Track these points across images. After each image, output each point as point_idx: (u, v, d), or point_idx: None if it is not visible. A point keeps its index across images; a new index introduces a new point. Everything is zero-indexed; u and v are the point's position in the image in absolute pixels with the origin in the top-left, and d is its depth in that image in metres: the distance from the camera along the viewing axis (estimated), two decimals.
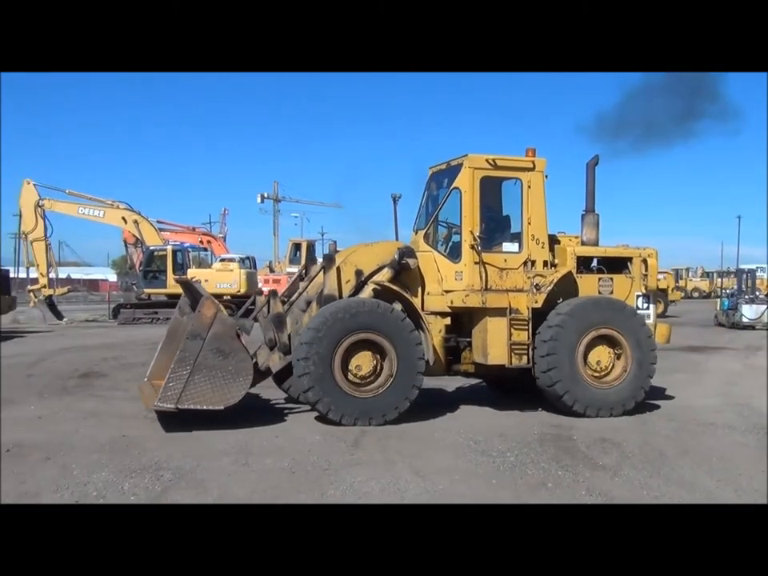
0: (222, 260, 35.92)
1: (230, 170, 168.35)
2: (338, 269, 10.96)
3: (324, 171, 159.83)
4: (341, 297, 10.80)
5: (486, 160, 11.13)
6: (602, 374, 10.91)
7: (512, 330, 10.80)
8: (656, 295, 12.20)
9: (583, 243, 11.96)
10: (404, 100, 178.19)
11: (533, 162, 11.26)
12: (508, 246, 11.29)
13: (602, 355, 10.92)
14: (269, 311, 11.06)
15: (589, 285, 11.51)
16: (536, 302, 10.84)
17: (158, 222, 37.25)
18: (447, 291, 11.14)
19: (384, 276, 10.97)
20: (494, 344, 10.83)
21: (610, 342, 10.93)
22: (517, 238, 11.32)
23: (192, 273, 34.41)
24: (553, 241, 11.72)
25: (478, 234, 10.98)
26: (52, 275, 32.26)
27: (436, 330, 11.09)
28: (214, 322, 9.74)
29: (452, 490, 7.23)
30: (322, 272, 11.06)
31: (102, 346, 21.89)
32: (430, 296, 11.20)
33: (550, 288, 10.87)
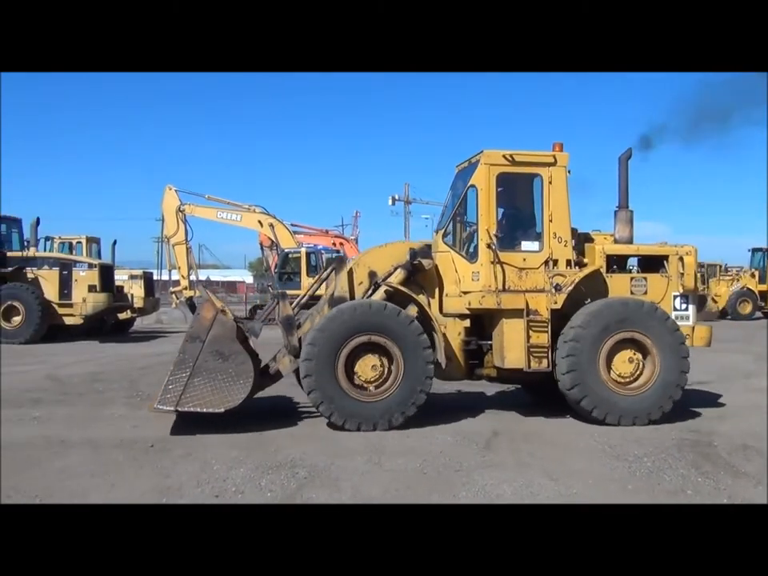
0: None
1: (362, 173, 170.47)
2: (351, 270, 10.83)
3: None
4: (352, 298, 10.60)
5: (504, 156, 10.67)
6: (628, 379, 10.32)
7: (530, 331, 10.35)
8: (696, 295, 11.33)
9: (616, 241, 11.39)
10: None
11: (554, 157, 10.72)
12: (527, 245, 10.78)
13: (628, 360, 10.36)
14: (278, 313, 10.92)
15: (620, 285, 10.92)
16: (555, 302, 10.39)
17: (293, 224, 37.92)
18: (465, 292, 10.74)
19: (397, 277, 10.68)
20: (511, 347, 10.40)
21: (638, 346, 10.34)
22: (539, 236, 10.81)
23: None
24: (586, 239, 11.34)
25: (494, 232, 10.55)
26: (193, 277, 33.39)
27: (455, 332, 10.79)
28: (213, 325, 9.73)
29: (586, 494, 7.10)
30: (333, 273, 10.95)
31: None
32: (448, 297, 10.86)
33: (570, 288, 10.41)
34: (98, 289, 24.50)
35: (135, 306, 28.71)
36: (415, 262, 10.63)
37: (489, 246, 10.46)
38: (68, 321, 24.61)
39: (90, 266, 25.78)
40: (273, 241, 35.19)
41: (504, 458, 8.53)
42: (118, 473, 7.83)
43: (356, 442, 9.16)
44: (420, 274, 10.79)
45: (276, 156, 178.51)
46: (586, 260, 10.97)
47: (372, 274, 10.80)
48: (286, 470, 7.91)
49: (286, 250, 34.42)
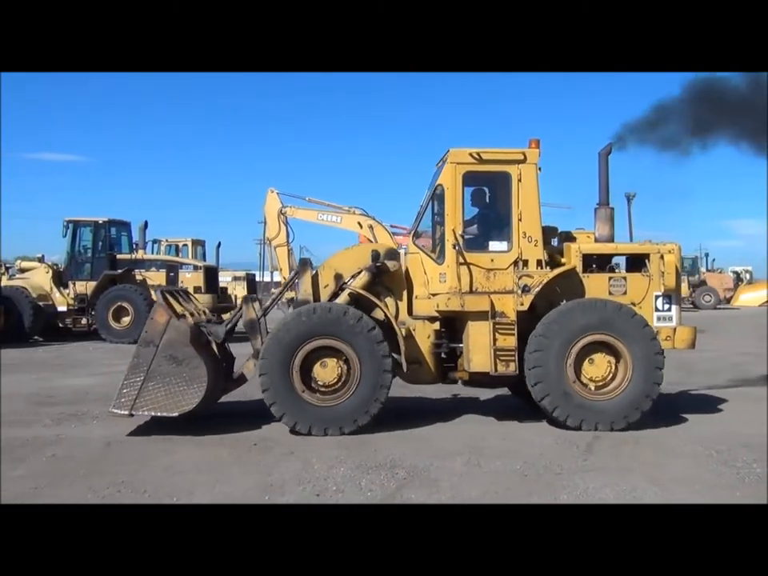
0: None
1: None
2: (317, 273, 10.73)
3: (555, 171, 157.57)
4: (318, 301, 10.46)
5: (470, 154, 10.34)
6: (601, 384, 9.94)
7: (497, 334, 10.00)
8: (679, 295, 10.75)
9: (596, 240, 10.96)
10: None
11: (524, 154, 10.34)
12: (495, 246, 10.44)
13: (599, 364, 9.96)
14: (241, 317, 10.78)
15: (597, 285, 10.44)
16: (521, 304, 10.03)
17: (392, 226, 37.85)
18: (433, 294, 10.46)
19: (361, 280, 10.50)
20: (477, 349, 10.07)
21: (610, 349, 9.95)
22: (508, 236, 10.43)
23: None
24: (567, 238, 10.96)
25: (460, 232, 10.26)
26: None
27: (424, 335, 10.52)
28: (167, 329, 9.68)
29: (692, 501, 6.90)
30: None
31: None
32: (417, 299, 10.63)
33: (538, 290, 10.04)
34: (203, 290, 25.09)
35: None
36: (378, 264, 10.50)
37: (455, 247, 10.22)
38: None
39: (196, 267, 26.49)
40: (371, 241, 35.41)
41: (606, 461, 8.38)
42: (222, 470, 8.03)
43: (455, 443, 9.15)
44: (387, 276, 10.65)
45: (375, 156, 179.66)
46: (563, 260, 10.63)
47: (338, 277, 10.70)
48: (385, 469, 7.96)
49: None
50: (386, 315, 10.29)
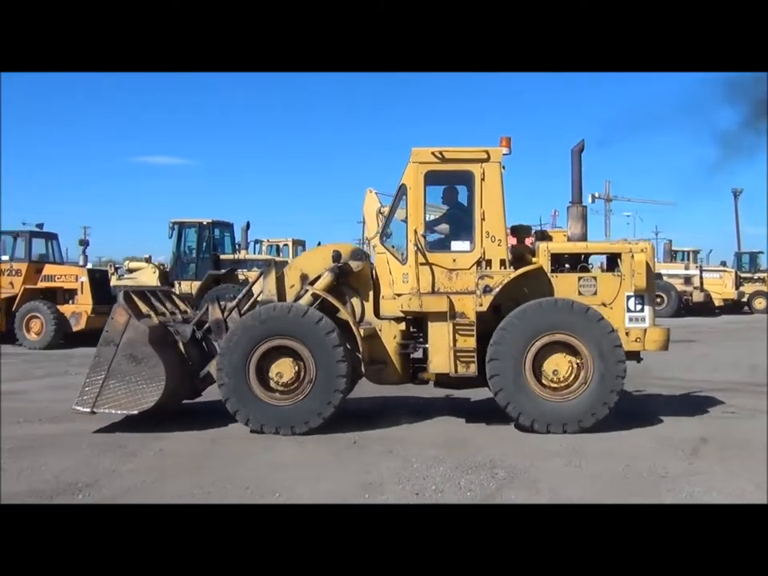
0: None
1: (561, 171, 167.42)
2: (283, 273, 10.64)
3: (658, 167, 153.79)
4: (281, 302, 10.38)
5: (432, 153, 10.17)
6: (561, 385, 9.67)
7: (457, 335, 9.88)
8: (652, 296, 10.35)
9: (569, 239, 10.70)
10: None
11: (487, 153, 10.13)
12: (457, 245, 10.28)
13: (560, 364, 9.68)
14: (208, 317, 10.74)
15: (566, 285, 10.18)
16: (481, 305, 9.83)
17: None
18: (398, 294, 10.30)
19: (324, 281, 10.39)
20: (437, 350, 9.99)
21: (572, 350, 9.66)
22: (470, 236, 10.23)
23: None
24: (543, 237, 10.86)
25: (422, 232, 10.11)
26: None
27: (390, 335, 10.38)
28: (126, 329, 9.78)
29: None
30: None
31: None
32: (384, 300, 10.49)
33: (498, 290, 9.84)
34: None
35: None
36: (340, 265, 10.39)
37: (416, 247, 10.09)
38: None
39: None
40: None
41: (711, 465, 8.15)
42: (322, 467, 8.15)
43: (555, 444, 9.05)
44: (352, 276, 10.56)
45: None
46: (535, 259, 10.41)
47: (304, 277, 10.60)
48: (485, 470, 7.94)
49: None
50: (348, 319, 10.20)
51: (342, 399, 9.81)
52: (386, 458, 8.49)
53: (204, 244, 26.33)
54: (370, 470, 7.97)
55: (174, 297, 11.68)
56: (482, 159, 10.14)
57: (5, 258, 22.75)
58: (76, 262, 34.65)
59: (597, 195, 71.70)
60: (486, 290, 9.90)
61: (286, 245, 33.69)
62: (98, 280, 23.16)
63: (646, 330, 10.12)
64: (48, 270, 22.61)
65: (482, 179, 10.11)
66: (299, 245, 34.12)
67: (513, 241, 10.88)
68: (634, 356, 10.25)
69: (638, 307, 10.16)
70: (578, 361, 9.71)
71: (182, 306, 11.60)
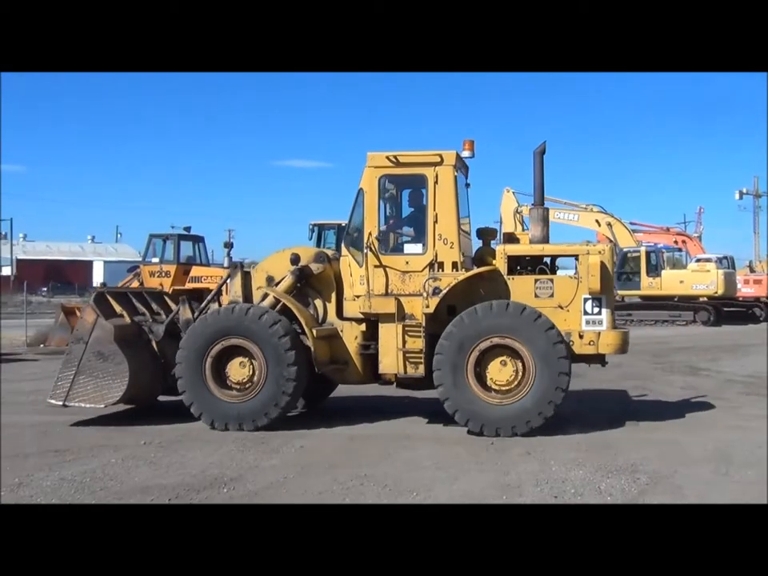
0: (698, 260, 34.79)
1: (705, 166, 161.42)
2: (250, 275, 11.01)
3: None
4: (247, 303, 10.69)
5: (387, 157, 10.33)
6: (507, 388, 9.65)
7: (406, 336, 10.05)
8: (611, 298, 10.02)
9: (530, 241, 10.70)
10: None
11: (440, 156, 10.24)
12: (410, 248, 10.45)
13: (504, 367, 9.68)
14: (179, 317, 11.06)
15: (522, 287, 10.15)
16: (427, 306, 9.90)
17: (632, 223, 37.05)
18: (357, 296, 10.46)
19: (285, 283, 10.70)
20: (386, 351, 10.21)
21: (514, 352, 9.62)
22: (423, 238, 10.33)
23: (666, 274, 33.76)
24: (509, 240, 11.05)
25: (376, 235, 10.23)
26: None
27: (352, 336, 10.60)
28: (94, 328, 10.35)
29: None
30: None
31: None
32: (346, 301, 10.68)
33: (445, 292, 9.89)
34: None
35: None
36: (300, 267, 10.66)
37: (371, 250, 10.22)
38: None
39: None
40: (611, 240, 34.63)
41: None
42: (460, 467, 8.15)
43: (701, 449, 8.77)
44: (315, 278, 10.80)
45: (609, 151, 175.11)
46: (494, 261, 10.44)
47: (270, 279, 10.90)
48: (626, 474, 7.75)
49: (624, 250, 33.76)
50: (301, 319, 10.37)
51: (293, 398, 10.17)
52: (524, 460, 8.42)
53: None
54: (508, 472, 7.92)
55: (165, 298, 12.13)
56: (435, 163, 10.31)
57: (155, 260, 23.79)
58: (221, 264, 35.84)
59: (745, 191, 68.75)
60: (435, 291, 10.04)
61: None
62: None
63: (599, 334, 9.98)
64: (195, 271, 23.43)
65: (435, 182, 10.27)
66: None
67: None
68: (598, 359, 10.31)
69: (596, 310, 10.05)
70: (521, 364, 9.69)
71: (174, 307, 11.93)
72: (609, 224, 34.08)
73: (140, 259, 26.63)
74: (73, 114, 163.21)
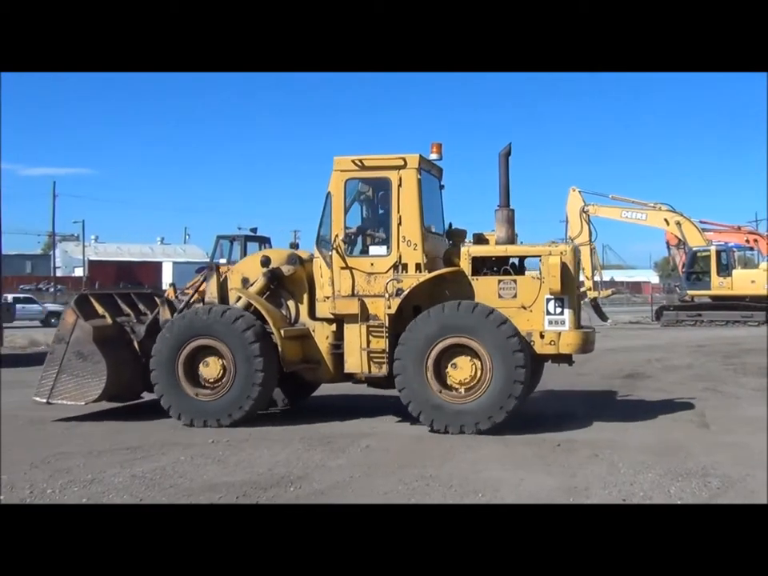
0: None
1: None
2: (226, 277, 11.30)
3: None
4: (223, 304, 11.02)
5: (353, 161, 10.58)
6: (469, 386, 9.81)
7: (370, 336, 10.31)
8: (574, 298, 9.96)
9: (496, 242, 10.82)
10: None
11: (404, 159, 10.43)
12: (375, 250, 10.65)
13: (463, 366, 9.85)
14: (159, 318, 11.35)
15: (486, 288, 10.29)
16: (389, 307, 10.14)
17: (701, 222, 36.31)
18: (327, 297, 10.71)
19: (257, 285, 11.02)
20: (350, 351, 10.50)
21: (472, 350, 9.79)
22: (387, 240, 10.53)
23: (737, 274, 33.07)
24: (479, 241, 11.11)
25: (342, 238, 10.49)
26: (597, 278, 33.37)
27: (323, 336, 10.85)
28: (74, 328, 10.79)
29: None
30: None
31: (645, 348, 22.10)
32: (318, 302, 10.93)
33: (407, 293, 10.11)
34: None
35: None
36: (271, 269, 10.94)
37: (336, 251, 10.46)
38: None
39: None
40: (680, 239, 34.06)
41: None
42: (526, 468, 8.09)
43: None
44: (288, 280, 11.07)
45: (674, 148, 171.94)
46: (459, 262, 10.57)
47: (245, 281, 11.22)
48: (697, 477, 7.59)
49: (694, 249, 33.18)
50: (269, 320, 10.60)
51: (263, 394, 10.49)
52: (592, 462, 8.32)
53: None
54: (575, 474, 7.84)
55: (155, 298, 12.24)
56: (399, 166, 10.48)
57: (222, 260, 24.10)
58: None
59: None
60: (398, 292, 10.24)
61: None
62: None
63: (560, 334, 10.02)
64: None
65: (399, 185, 10.44)
66: None
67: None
68: (565, 359, 10.43)
69: (558, 310, 10.09)
70: (479, 361, 9.82)
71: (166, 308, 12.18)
72: (678, 223, 33.48)
73: (208, 260, 26.88)
74: (143, 116, 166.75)
